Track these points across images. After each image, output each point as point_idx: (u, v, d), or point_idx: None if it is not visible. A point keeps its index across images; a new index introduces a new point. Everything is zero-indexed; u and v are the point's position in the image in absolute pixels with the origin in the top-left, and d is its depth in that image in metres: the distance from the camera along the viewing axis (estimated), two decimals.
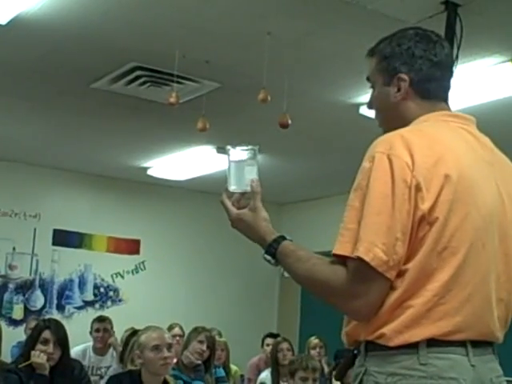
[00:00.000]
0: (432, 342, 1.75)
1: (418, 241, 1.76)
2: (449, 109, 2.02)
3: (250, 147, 2.05)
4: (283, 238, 1.95)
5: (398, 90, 1.99)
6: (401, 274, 1.76)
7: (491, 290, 1.82)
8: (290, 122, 5.06)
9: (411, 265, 1.76)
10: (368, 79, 2.07)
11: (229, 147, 2.05)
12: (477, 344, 1.80)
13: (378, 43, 2.06)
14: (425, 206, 1.75)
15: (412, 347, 1.75)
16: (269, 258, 1.95)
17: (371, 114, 2.14)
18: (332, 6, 4.26)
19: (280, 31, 4.63)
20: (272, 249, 1.94)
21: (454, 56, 4.02)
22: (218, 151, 7.33)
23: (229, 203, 2.03)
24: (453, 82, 2.06)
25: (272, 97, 4.84)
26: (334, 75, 5.34)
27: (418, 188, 1.75)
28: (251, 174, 2.02)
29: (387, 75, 2.01)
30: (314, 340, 6.85)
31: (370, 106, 2.11)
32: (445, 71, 2.01)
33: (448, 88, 2.04)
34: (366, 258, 1.71)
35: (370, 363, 1.81)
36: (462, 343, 1.77)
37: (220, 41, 4.90)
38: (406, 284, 1.75)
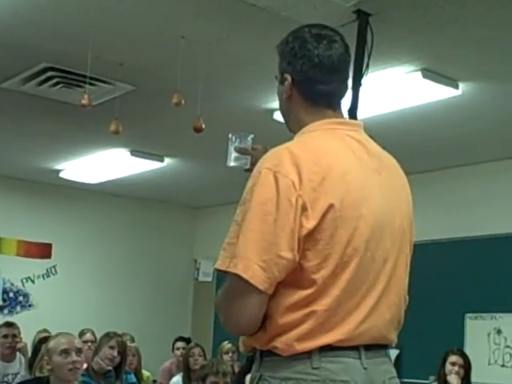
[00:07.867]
0: (325, 348, 1.77)
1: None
2: (338, 115, 1.97)
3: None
4: None
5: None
6: (296, 287, 1.76)
7: (380, 296, 1.84)
8: (203, 126, 5.06)
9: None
10: (276, 77, 2.04)
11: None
12: (370, 347, 1.83)
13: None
14: (310, 225, 1.74)
15: (305, 353, 1.77)
16: None
17: None
18: (246, 11, 4.28)
19: (194, 35, 4.63)
20: None
21: (365, 65, 4.09)
22: (132, 154, 7.26)
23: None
24: (349, 86, 2.02)
25: (186, 100, 4.83)
26: (248, 80, 5.37)
27: (304, 207, 1.74)
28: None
29: (280, 73, 1.99)
30: (226, 345, 6.84)
31: None
32: (331, 74, 1.92)
33: (337, 92, 1.98)
34: (245, 276, 1.71)
35: (265, 369, 1.82)
36: (354, 347, 1.80)
37: (134, 43, 4.86)
38: (297, 298, 1.76)
